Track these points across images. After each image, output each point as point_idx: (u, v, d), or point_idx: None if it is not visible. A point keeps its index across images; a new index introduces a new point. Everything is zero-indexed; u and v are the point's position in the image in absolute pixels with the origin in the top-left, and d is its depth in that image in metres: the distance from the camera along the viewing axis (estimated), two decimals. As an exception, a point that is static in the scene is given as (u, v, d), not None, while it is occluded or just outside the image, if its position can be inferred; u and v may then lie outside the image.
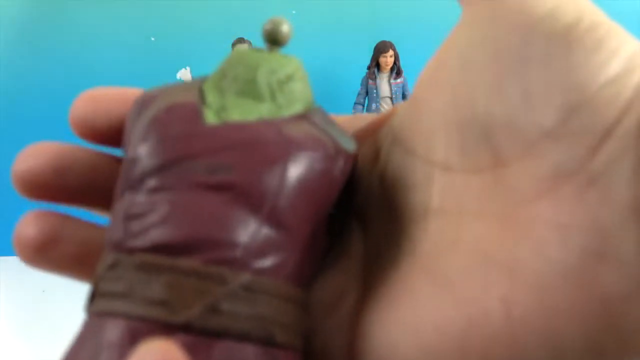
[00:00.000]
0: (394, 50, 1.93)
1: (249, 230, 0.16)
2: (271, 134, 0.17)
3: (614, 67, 0.15)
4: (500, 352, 0.15)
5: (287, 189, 0.16)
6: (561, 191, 0.14)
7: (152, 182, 0.16)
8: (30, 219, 0.19)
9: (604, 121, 0.14)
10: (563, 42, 0.15)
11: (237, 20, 2.04)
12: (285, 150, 0.16)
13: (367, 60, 1.97)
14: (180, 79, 1.99)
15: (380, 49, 1.93)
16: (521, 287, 0.14)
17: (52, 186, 0.19)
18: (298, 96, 0.18)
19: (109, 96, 0.19)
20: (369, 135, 0.20)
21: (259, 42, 1.96)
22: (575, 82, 0.15)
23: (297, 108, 0.18)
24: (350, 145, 0.18)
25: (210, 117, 0.17)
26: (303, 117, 0.18)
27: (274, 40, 0.18)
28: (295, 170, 0.16)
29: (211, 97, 0.17)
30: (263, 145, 0.16)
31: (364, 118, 0.21)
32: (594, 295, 0.14)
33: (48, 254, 0.19)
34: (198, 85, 0.18)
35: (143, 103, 0.18)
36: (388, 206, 0.19)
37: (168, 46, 2.01)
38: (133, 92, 0.20)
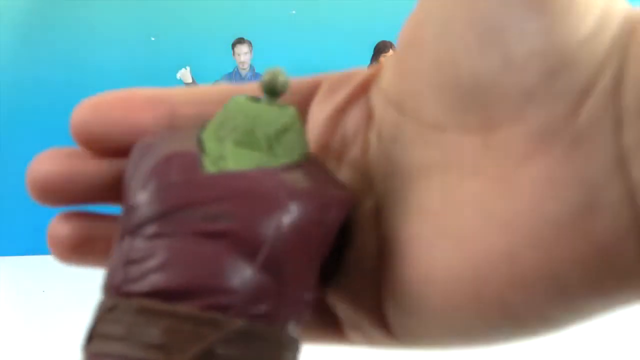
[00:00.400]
0: (394, 50, 1.93)
1: (244, 277, 0.16)
2: (267, 183, 0.17)
3: (587, 25, 0.15)
4: (512, 295, 0.16)
5: (282, 238, 0.17)
6: (550, 151, 0.16)
7: (151, 229, 0.17)
8: (62, 220, 0.20)
9: (582, 81, 0.15)
10: (537, 4, 0.16)
11: (237, 20, 2.04)
12: (281, 199, 0.17)
13: (367, 60, 1.97)
14: (180, 79, 2.00)
15: (380, 49, 1.93)
16: (522, 240, 0.16)
17: (65, 191, 0.20)
18: (294, 146, 0.19)
19: (108, 102, 0.20)
20: (362, 93, 0.21)
21: (258, 41, 1.96)
22: (552, 45, 0.16)
23: (293, 157, 0.18)
24: (344, 193, 0.19)
25: (209, 166, 0.17)
26: (298, 166, 0.18)
27: (271, 91, 0.19)
28: (290, 219, 0.17)
29: (210, 146, 0.18)
30: (259, 195, 0.17)
31: (355, 74, 0.21)
32: (589, 242, 0.15)
33: (82, 251, 0.20)
34: (197, 134, 0.19)
35: (143, 150, 0.18)
36: (389, 164, 0.20)
37: (168, 46, 2.01)
38: (133, 94, 0.20)
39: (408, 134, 0.19)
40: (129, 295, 0.17)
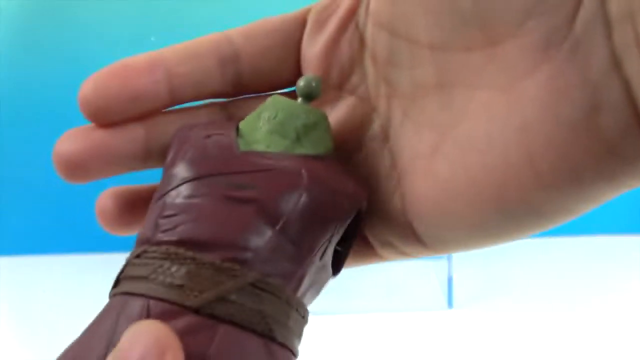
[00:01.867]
0: None
1: (264, 239, 0.18)
2: (293, 165, 0.19)
3: None
4: (534, 195, 0.18)
5: (300, 211, 0.19)
6: (552, 60, 0.17)
7: (186, 190, 0.19)
8: (106, 196, 0.22)
9: None
10: None
11: (237, 20, 2.04)
12: (303, 179, 0.19)
13: None
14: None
15: None
16: (540, 143, 0.17)
17: (90, 166, 0.21)
18: (319, 142, 0.21)
19: (105, 75, 0.21)
20: (351, 19, 0.21)
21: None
22: None
23: (317, 150, 0.20)
24: (359, 187, 0.20)
25: (242, 147, 0.20)
26: (321, 157, 0.20)
27: (306, 95, 0.21)
28: (309, 197, 0.19)
29: (245, 132, 0.21)
30: (285, 173, 0.19)
31: (337, 3, 0.22)
32: (599, 139, 0.16)
33: (127, 221, 0.22)
34: (236, 123, 0.21)
35: (185, 130, 0.21)
36: (388, 86, 0.21)
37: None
38: (127, 63, 0.21)
39: (404, 56, 0.20)
40: (158, 243, 0.19)
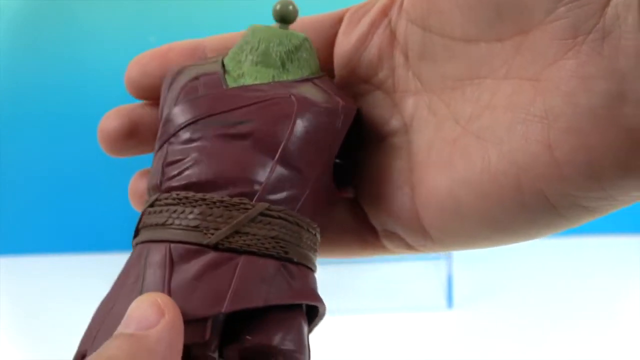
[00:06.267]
0: None
1: (265, 170, 0.19)
2: (281, 93, 0.20)
3: None
4: (549, 184, 0.17)
5: (295, 137, 0.20)
6: (581, 49, 0.17)
7: (185, 135, 0.20)
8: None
9: None
10: None
11: (237, 20, 2.03)
12: (293, 105, 0.20)
13: None
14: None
15: None
16: (559, 131, 0.17)
17: (129, 142, 0.23)
18: (304, 64, 0.21)
19: (147, 57, 0.23)
20: (383, 17, 0.22)
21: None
22: None
23: (303, 73, 0.21)
24: (350, 102, 0.21)
25: (231, 83, 0.21)
26: (308, 80, 0.21)
27: (283, 18, 0.21)
28: (302, 121, 0.20)
29: (231, 67, 0.21)
30: (275, 102, 0.20)
31: (374, 2, 0.23)
32: (620, 128, 0.16)
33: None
34: (220, 59, 0.22)
35: (174, 75, 0.22)
36: (418, 80, 0.21)
37: (168, 46, 2.00)
38: (169, 47, 0.23)
39: (436, 50, 0.20)
40: (167, 190, 0.20)
